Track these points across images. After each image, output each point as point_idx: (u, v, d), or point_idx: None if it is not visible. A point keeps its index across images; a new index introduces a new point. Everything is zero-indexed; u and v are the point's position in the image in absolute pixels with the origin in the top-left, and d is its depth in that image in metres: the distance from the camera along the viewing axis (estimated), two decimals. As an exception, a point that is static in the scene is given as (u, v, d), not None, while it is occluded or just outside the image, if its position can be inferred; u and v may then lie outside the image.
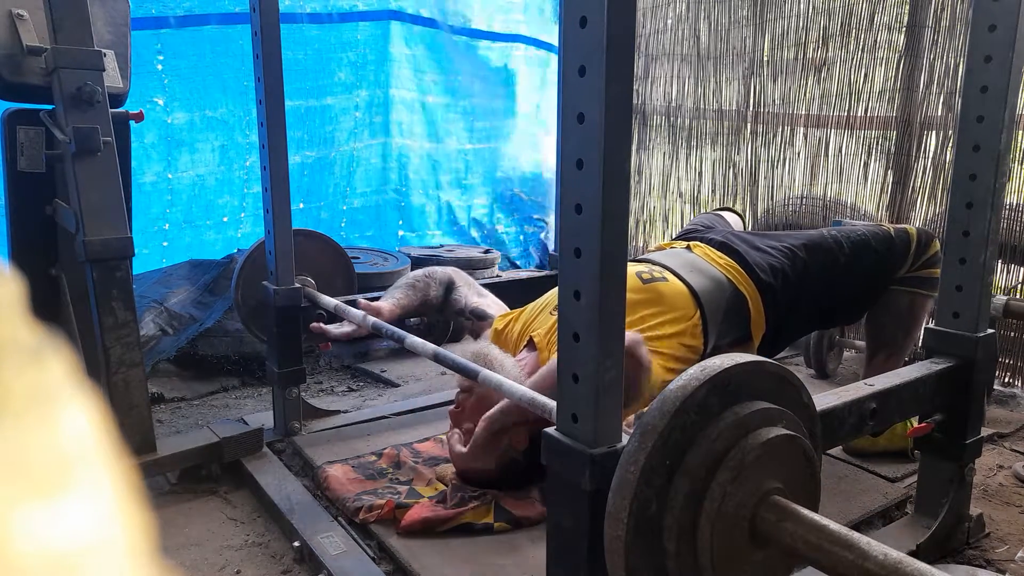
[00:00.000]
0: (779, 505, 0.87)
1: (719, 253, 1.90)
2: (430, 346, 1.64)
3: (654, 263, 1.86)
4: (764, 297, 1.83)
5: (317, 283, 2.26)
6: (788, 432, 0.90)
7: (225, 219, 3.11)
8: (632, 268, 1.75)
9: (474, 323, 2.06)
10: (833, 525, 0.83)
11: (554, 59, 4.21)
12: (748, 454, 0.86)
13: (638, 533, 0.85)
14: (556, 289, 1.88)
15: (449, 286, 2.15)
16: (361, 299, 1.96)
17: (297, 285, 2.06)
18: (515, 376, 1.64)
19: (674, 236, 2.28)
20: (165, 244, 2.97)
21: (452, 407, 1.74)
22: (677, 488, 0.85)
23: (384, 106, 3.58)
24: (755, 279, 1.83)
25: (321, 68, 3.25)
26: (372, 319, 1.85)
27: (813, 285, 1.89)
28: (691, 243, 1.99)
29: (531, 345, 1.81)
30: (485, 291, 2.20)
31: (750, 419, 0.88)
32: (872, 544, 0.80)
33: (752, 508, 0.87)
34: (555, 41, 4.18)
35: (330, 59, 3.29)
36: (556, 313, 1.78)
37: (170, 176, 2.91)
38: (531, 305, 1.95)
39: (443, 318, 2.17)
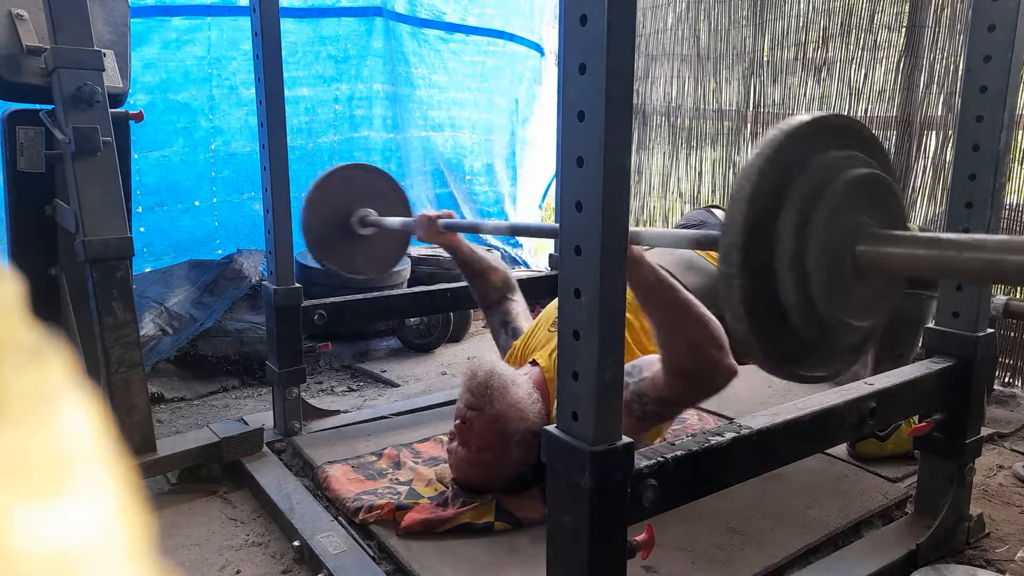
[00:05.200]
0: (878, 234, 0.90)
1: None
2: (505, 223, 1.72)
3: None
4: None
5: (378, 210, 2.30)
6: (879, 171, 0.93)
7: (197, 203, 3.12)
8: None
9: (507, 340, 2.02)
10: (940, 234, 0.87)
11: (534, 55, 4.24)
12: (846, 185, 0.88)
13: (752, 245, 0.86)
14: (553, 303, 1.90)
15: (510, 290, 2.12)
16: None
17: (297, 285, 2.06)
18: (525, 388, 1.64)
19: None
20: (142, 230, 2.97)
21: (458, 422, 1.65)
22: (786, 212, 0.87)
23: (367, 100, 3.61)
24: None
25: (297, 61, 3.29)
26: (446, 220, 1.94)
27: None
28: None
29: (534, 363, 1.78)
30: (531, 316, 2.15)
31: (847, 160, 0.91)
32: (978, 236, 0.84)
33: (852, 239, 0.90)
34: (533, 36, 4.21)
35: (308, 53, 3.33)
36: (555, 330, 1.78)
37: (136, 156, 2.92)
38: (532, 324, 1.93)
39: (488, 311, 2.15)
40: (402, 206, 2.39)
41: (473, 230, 1.94)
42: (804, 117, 0.90)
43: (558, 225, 1.51)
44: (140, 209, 2.95)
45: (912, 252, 0.86)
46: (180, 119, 3.03)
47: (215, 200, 3.17)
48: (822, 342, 0.93)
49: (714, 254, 1.85)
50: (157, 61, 2.93)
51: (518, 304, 2.12)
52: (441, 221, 1.96)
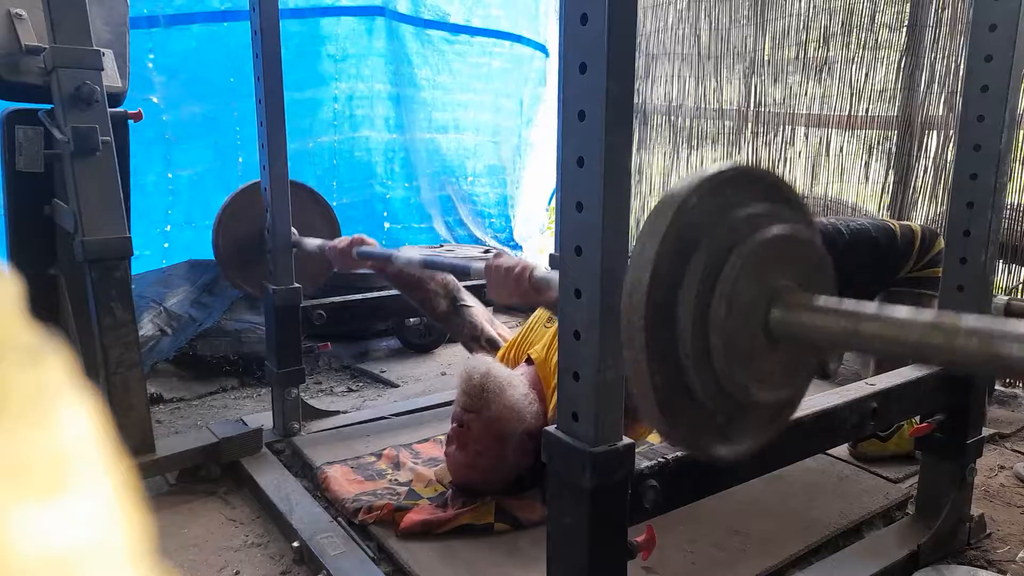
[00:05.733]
0: (793, 300, 0.80)
1: None
2: (418, 255, 1.71)
3: None
4: None
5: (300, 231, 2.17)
6: (798, 230, 0.82)
7: None
8: None
9: (488, 351, 1.99)
10: (860, 305, 0.75)
11: (539, 56, 4.22)
12: (759, 246, 0.78)
13: (655, 324, 0.75)
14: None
15: (455, 292, 2.06)
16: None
17: (296, 285, 2.06)
18: (522, 390, 1.64)
19: None
20: (166, 245, 2.97)
21: (455, 425, 1.64)
22: (689, 281, 0.77)
23: (368, 99, 3.60)
24: None
25: (299, 62, 3.28)
26: (359, 248, 1.87)
27: None
28: None
29: (529, 360, 1.79)
30: (496, 321, 2.12)
31: (762, 216, 0.81)
32: (904, 309, 0.71)
33: (766, 304, 0.80)
34: (538, 37, 4.20)
35: (307, 52, 3.31)
36: (551, 325, 1.78)
37: (169, 175, 2.92)
38: (525, 326, 1.93)
39: (449, 328, 2.12)
40: (327, 222, 2.31)
41: (387, 261, 1.82)
42: (707, 175, 0.77)
43: (470, 264, 1.52)
44: (169, 228, 2.94)
45: (829, 323, 0.76)
46: (209, 132, 3.02)
47: None
48: (737, 419, 0.84)
49: None
50: (180, 70, 2.92)
51: (477, 313, 2.05)
52: (355, 249, 1.88)
